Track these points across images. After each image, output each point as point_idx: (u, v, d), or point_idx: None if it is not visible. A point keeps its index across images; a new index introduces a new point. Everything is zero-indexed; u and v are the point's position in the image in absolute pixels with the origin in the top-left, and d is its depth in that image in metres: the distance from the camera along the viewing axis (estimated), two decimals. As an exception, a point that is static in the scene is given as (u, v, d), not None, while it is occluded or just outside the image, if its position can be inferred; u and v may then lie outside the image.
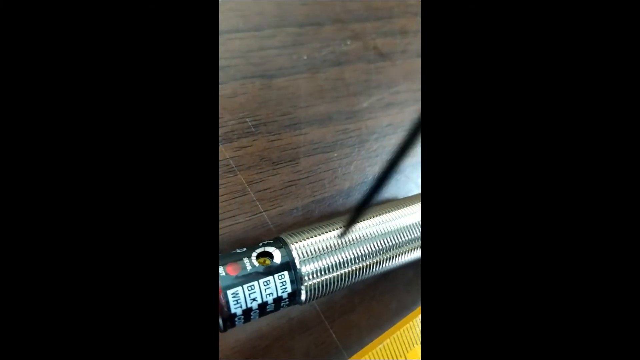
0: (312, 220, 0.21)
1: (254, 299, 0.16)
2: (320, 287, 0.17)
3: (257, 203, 0.20)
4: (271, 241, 0.17)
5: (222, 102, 0.21)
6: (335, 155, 0.22)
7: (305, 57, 0.23)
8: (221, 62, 0.21)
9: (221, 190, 0.20)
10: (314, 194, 0.22)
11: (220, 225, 0.19)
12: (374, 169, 0.23)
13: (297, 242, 0.17)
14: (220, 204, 0.19)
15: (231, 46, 0.22)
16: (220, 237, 0.19)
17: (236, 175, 0.20)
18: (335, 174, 0.22)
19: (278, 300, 0.16)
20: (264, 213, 0.20)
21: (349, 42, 0.25)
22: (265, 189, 0.21)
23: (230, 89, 0.21)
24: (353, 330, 0.21)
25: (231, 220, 0.20)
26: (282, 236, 0.18)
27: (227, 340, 0.19)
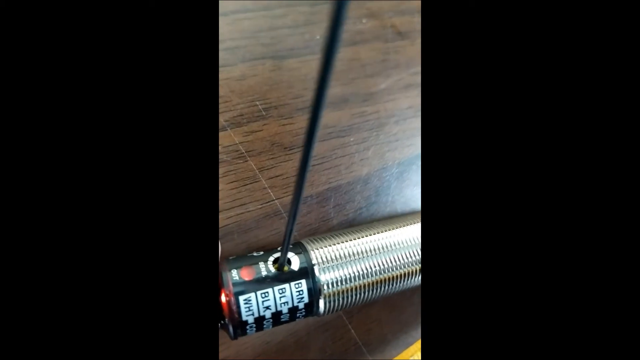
0: (328, 208, 0.20)
1: (267, 307, 0.14)
2: (341, 298, 0.16)
3: (269, 190, 0.19)
4: (291, 245, 0.16)
5: (231, 85, 0.20)
6: (352, 139, 0.21)
7: (318, 37, 0.22)
8: (230, 43, 0.20)
9: (231, 177, 0.19)
10: (330, 180, 0.20)
11: (230, 213, 0.18)
12: (394, 154, 0.22)
13: (318, 249, 0.16)
14: (230, 192, 0.18)
15: (240, 26, 0.20)
16: (230, 226, 0.18)
17: (246, 161, 0.19)
18: (352, 159, 0.21)
19: (293, 310, 0.15)
20: (276, 201, 0.19)
21: (364, 21, 0.23)
22: (277, 176, 0.19)
23: (239, 71, 0.20)
24: (373, 325, 0.20)
25: (242, 209, 0.18)
26: (303, 241, 0.16)
27: (239, 334, 0.17)
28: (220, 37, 0.20)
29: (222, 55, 0.20)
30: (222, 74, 0.20)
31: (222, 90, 0.19)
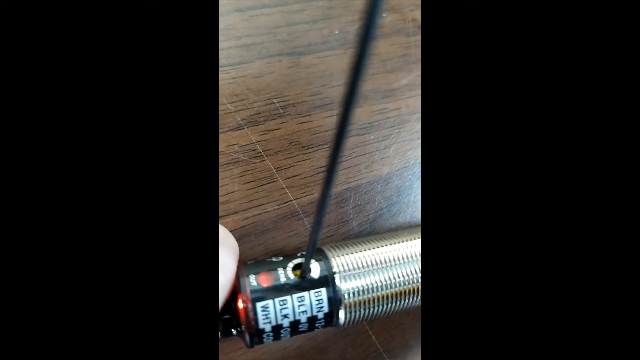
0: (347, 209, 0.19)
1: (285, 316, 0.14)
2: (362, 309, 0.15)
3: (287, 190, 0.19)
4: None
5: (247, 83, 0.19)
6: (372, 137, 0.20)
7: (336, 32, 0.21)
8: (246, 40, 0.20)
9: (248, 177, 0.18)
10: (349, 180, 0.20)
11: (247, 214, 0.18)
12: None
13: (339, 256, 0.15)
14: (247, 192, 0.18)
15: (257, 23, 0.20)
16: (247, 227, 0.18)
17: (263, 160, 0.19)
18: (372, 158, 0.20)
19: (312, 320, 0.14)
20: (294, 201, 0.19)
21: (384, 15, 0.23)
22: (295, 176, 0.19)
23: (256, 68, 0.19)
24: (395, 331, 0.19)
25: (259, 209, 0.18)
26: (324, 248, 0.16)
27: (256, 339, 0.17)
28: (236, 34, 0.20)
29: (238, 53, 0.19)
30: (239, 71, 0.19)
31: (239, 88, 0.19)
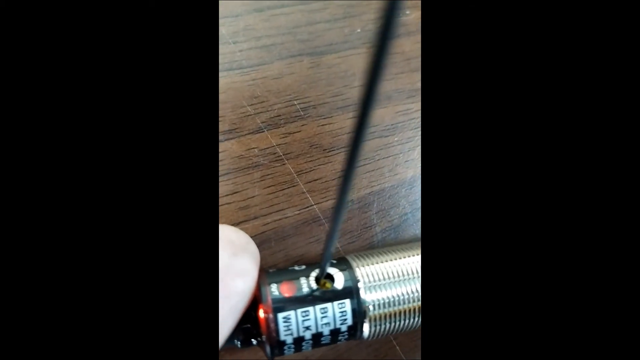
0: (370, 214, 0.19)
1: (307, 327, 0.13)
2: (388, 322, 0.14)
3: (307, 195, 0.18)
4: (334, 261, 0.15)
5: (267, 84, 0.19)
6: (396, 139, 0.20)
7: (358, 31, 0.20)
8: (265, 41, 0.19)
9: (268, 182, 0.18)
10: (372, 184, 0.19)
11: (267, 219, 0.17)
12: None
13: (364, 266, 0.14)
14: (267, 197, 0.18)
15: (276, 23, 0.20)
16: (267, 233, 0.17)
17: (284, 164, 0.18)
18: (396, 160, 0.19)
19: (335, 333, 0.14)
20: (315, 206, 0.18)
21: (408, 12, 0.22)
22: (315, 180, 0.18)
23: (276, 69, 0.19)
24: (420, 341, 0.18)
25: (279, 215, 0.18)
26: (348, 257, 0.15)
27: (276, 348, 0.16)
28: (256, 34, 0.19)
29: (258, 54, 0.19)
30: (258, 72, 0.19)
31: (259, 90, 0.19)
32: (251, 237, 0.17)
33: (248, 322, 0.14)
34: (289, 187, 0.18)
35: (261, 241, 0.17)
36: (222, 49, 0.19)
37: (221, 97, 0.18)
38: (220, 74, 0.18)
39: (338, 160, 0.19)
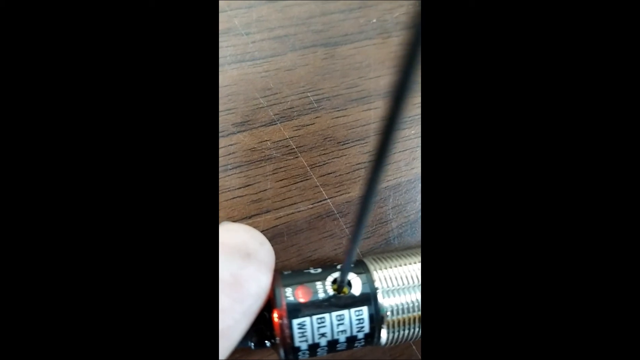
0: (386, 209, 0.18)
1: (322, 334, 0.13)
2: (406, 329, 0.14)
3: (321, 189, 0.18)
4: (352, 264, 0.14)
5: (280, 76, 0.18)
6: (413, 132, 0.19)
7: (374, 21, 0.20)
8: (279, 32, 0.19)
9: (280, 175, 0.17)
10: (388, 178, 0.18)
11: (280, 213, 0.17)
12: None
13: (382, 269, 0.14)
14: (279, 190, 0.17)
15: (290, 13, 0.19)
16: (279, 227, 0.17)
17: (297, 157, 0.18)
18: (413, 154, 0.19)
19: (352, 340, 0.13)
20: (328, 200, 0.17)
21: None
22: (329, 173, 0.18)
23: (289, 60, 0.19)
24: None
25: (292, 209, 0.17)
26: (365, 260, 0.15)
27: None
28: (269, 25, 0.19)
29: (271, 45, 0.19)
30: (271, 64, 0.18)
31: (272, 82, 0.18)
32: (263, 231, 0.16)
33: (262, 323, 0.14)
34: (302, 181, 0.17)
35: (273, 235, 0.17)
36: (235, 41, 0.18)
37: (233, 89, 0.18)
38: (233, 66, 0.18)
39: (353, 154, 0.18)
